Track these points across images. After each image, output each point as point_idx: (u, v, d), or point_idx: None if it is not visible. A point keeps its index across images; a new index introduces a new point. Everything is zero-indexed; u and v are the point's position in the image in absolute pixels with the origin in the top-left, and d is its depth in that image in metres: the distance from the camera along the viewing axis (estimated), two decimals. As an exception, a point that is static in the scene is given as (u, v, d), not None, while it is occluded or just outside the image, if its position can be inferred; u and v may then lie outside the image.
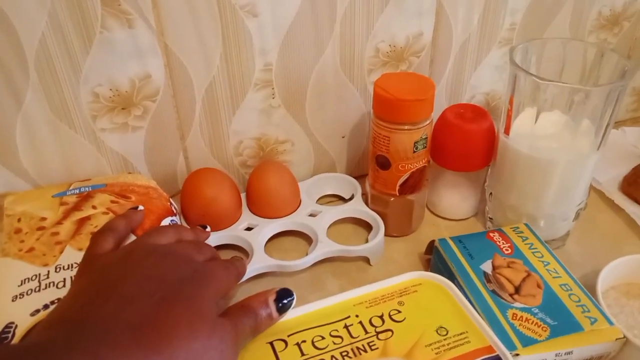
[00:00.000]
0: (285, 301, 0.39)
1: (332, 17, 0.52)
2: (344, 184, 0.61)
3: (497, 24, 0.59)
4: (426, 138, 0.51)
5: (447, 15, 0.56)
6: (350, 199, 0.60)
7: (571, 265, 0.50)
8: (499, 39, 0.60)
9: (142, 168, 0.55)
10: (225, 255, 0.54)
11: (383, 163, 0.52)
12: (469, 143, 0.54)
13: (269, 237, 0.54)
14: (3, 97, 0.47)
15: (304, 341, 0.39)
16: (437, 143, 0.55)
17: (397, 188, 0.53)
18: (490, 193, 0.56)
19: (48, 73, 0.47)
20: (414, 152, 0.51)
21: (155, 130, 0.53)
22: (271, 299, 0.38)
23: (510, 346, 0.40)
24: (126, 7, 0.46)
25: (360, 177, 0.61)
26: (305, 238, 0.56)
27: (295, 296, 0.39)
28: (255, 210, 0.56)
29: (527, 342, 0.41)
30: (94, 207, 0.46)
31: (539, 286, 0.45)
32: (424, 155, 0.52)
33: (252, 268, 0.50)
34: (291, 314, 0.41)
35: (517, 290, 0.45)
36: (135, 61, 0.49)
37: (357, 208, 0.57)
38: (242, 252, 0.53)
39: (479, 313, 0.41)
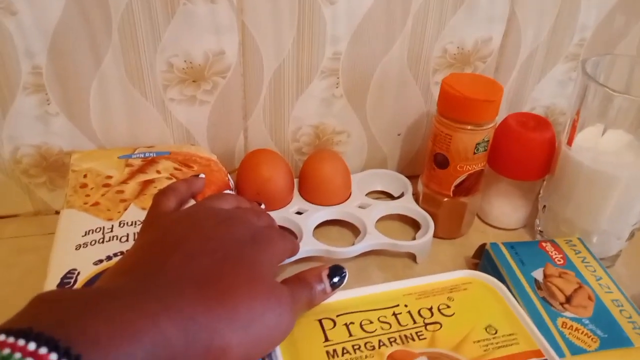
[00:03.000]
0: (337, 278, 0.39)
1: (406, 12, 0.53)
2: (394, 181, 0.61)
3: (566, 38, 0.59)
4: (488, 141, 0.51)
5: (518, 24, 0.56)
6: (400, 197, 0.60)
7: (620, 285, 0.50)
8: (566, 54, 0.60)
9: (203, 142, 0.56)
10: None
11: (441, 162, 0.53)
12: (529, 151, 0.54)
13: (318, 223, 0.55)
14: (84, 54, 0.48)
15: (352, 323, 0.39)
16: (495, 149, 0.55)
17: (452, 189, 0.53)
18: (544, 205, 0.56)
19: (129, 37, 0.48)
20: (475, 153, 0.51)
21: (221, 107, 0.54)
22: (324, 273, 0.39)
23: (559, 353, 0.40)
24: (211, -18, 0.47)
25: (410, 177, 0.61)
26: (352, 229, 0.56)
27: (347, 273, 0.40)
28: (306, 195, 0.56)
29: (576, 350, 0.40)
30: (158, 172, 0.48)
31: (590, 298, 0.45)
32: (483, 159, 0.52)
33: (301, 250, 0.50)
34: (341, 296, 0.41)
35: (568, 300, 0.44)
36: (212, 36, 0.50)
37: (407, 206, 0.57)
38: (291, 234, 0.54)
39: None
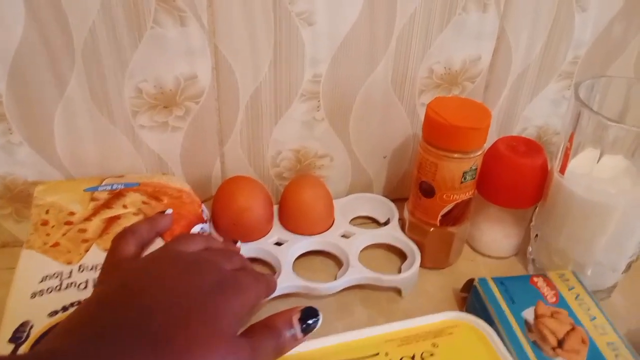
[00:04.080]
0: (310, 321, 0.35)
1: (390, 32, 0.50)
2: (380, 206, 0.59)
3: (559, 56, 0.56)
4: (476, 169, 0.48)
5: (508, 41, 0.54)
6: (386, 223, 0.57)
7: (616, 319, 0.47)
8: (560, 72, 0.57)
9: (177, 169, 0.54)
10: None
11: (427, 190, 0.50)
12: (519, 178, 0.51)
13: (298, 255, 0.52)
14: (47, 80, 0.45)
15: (329, 374, 0.37)
16: (485, 175, 0.52)
17: (439, 218, 0.51)
18: (537, 234, 0.53)
19: (94, 62, 0.45)
20: (462, 182, 0.48)
21: (194, 133, 0.51)
22: (296, 318, 0.35)
23: (551, 405, 0.37)
24: (181, 4, 0.44)
25: (396, 201, 0.58)
26: (335, 259, 0.54)
27: (321, 316, 0.36)
28: (286, 224, 0.54)
29: (569, 402, 0.38)
30: (124, 207, 0.45)
31: (583, 341, 0.42)
32: (471, 187, 0.50)
33: (279, 287, 0.47)
34: (318, 343, 0.39)
35: (560, 343, 0.42)
36: (183, 60, 0.47)
37: (393, 234, 0.54)
38: (269, 267, 0.51)
39: (518, 365, 0.39)
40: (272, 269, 0.50)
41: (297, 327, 0.34)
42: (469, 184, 0.49)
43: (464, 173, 0.48)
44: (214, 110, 0.50)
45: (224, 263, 0.36)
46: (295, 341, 0.34)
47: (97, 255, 0.41)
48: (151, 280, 0.32)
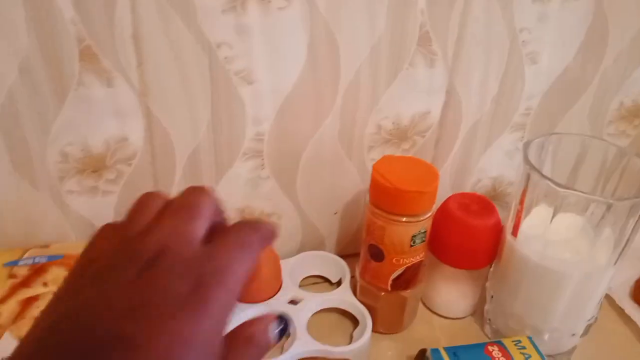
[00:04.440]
0: (280, 329, 0.28)
1: (335, 89, 0.48)
2: (332, 265, 0.56)
3: (511, 108, 0.55)
4: (425, 232, 0.46)
5: (458, 95, 0.52)
6: (339, 282, 0.54)
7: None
8: (512, 124, 0.56)
9: (111, 234, 0.50)
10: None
11: (376, 254, 0.47)
12: (472, 239, 0.49)
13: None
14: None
15: None
16: (436, 235, 0.50)
17: (390, 282, 0.48)
18: (492, 295, 0.51)
19: (13, 126, 0.42)
20: (411, 246, 0.46)
21: (128, 196, 0.48)
22: (272, 326, 0.27)
23: None
24: (107, 65, 0.41)
25: (351, 257, 0.56)
26: (284, 326, 0.50)
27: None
28: (230, 290, 0.50)
29: None
30: (45, 284, 0.41)
31: (541, 420, 0.40)
32: (422, 250, 0.47)
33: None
34: None
35: None
36: (112, 122, 0.44)
37: (344, 299, 0.51)
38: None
39: None
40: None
41: (272, 335, 0.27)
42: (419, 247, 0.47)
43: (413, 237, 0.45)
44: (148, 172, 0.47)
45: (193, 233, 0.26)
46: (268, 349, 0.27)
47: (9, 345, 0.37)
48: (97, 295, 0.23)
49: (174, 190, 0.49)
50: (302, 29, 0.44)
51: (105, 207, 0.48)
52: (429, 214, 0.46)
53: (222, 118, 0.46)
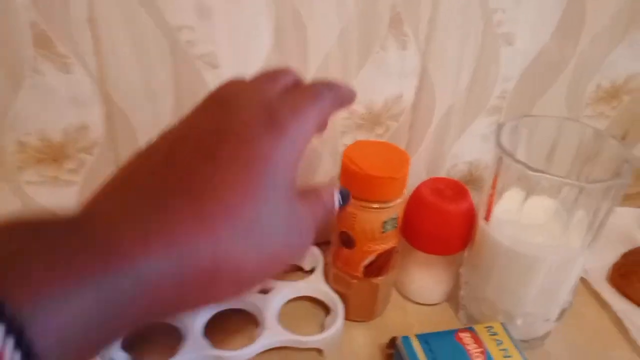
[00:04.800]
0: (343, 199, 0.34)
1: (304, 73, 0.46)
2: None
3: (486, 91, 0.54)
4: (396, 217, 0.45)
5: (431, 79, 0.51)
6: (312, 270, 0.53)
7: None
8: (488, 107, 0.55)
9: (76, 224, 0.49)
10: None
11: (347, 241, 0.46)
12: (445, 225, 0.48)
13: (209, 317, 0.48)
14: None
15: None
16: (409, 221, 0.49)
17: (362, 270, 0.47)
18: (466, 281, 0.50)
19: (-35, 117, 0.40)
20: (382, 232, 0.45)
21: (91, 186, 0.46)
22: (336, 190, 0.34)
23: None
24: (63, 50, 0.40)
25: (325, 244, 0.55)
26: (255, 317, 0.49)
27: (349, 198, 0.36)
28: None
29: None
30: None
31: (511, 407, 0.39)
32: (394, 236, 0.46)
33: (183, 358, 0.43)
34: None
35: (486, 412, 0.39)
36: (71, 110, 0.42)
37: (316, 286, 0.51)
38: (176, 335, 0.46)
39: None
40: (179, 337, 0.46)
41: (336, 199, 0.33)
42: (391, 233, 0.46)
43: (384, 223, 0.44)
44: (110, 161, 0.46)
45: (269, 88, 0.31)
46: (332, 214, 0.33)
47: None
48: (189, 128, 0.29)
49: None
50: (268, 11, 0.43)
51: (68, 197, 0.47)
52: (400, 200, 0.45)
53: (186, 104, 0.44)
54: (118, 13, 0.40)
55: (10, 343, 0.17)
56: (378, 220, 0.44)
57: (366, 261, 0.47)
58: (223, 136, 0.26)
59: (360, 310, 0.50)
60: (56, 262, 0.20)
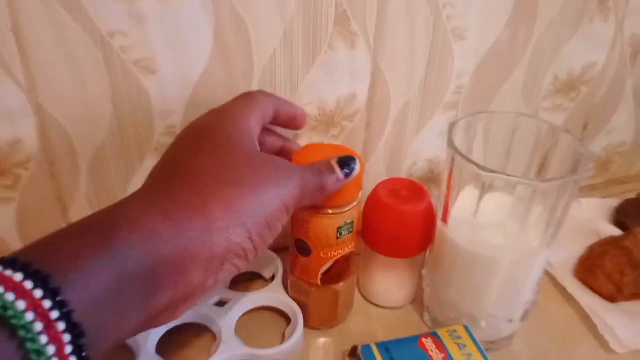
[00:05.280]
0: (349, 168, 0.38)
1: (249, 75, 0.45)
2: (264, 260, 0.53)
3: (441, 87, 0.53)
4: (352, 222, 0.44)
5: (384, 77, 0.49)
6: (271, 279, 0.52)
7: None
8: (444, 103, 0.54)
9: (17, 244, 0.46)
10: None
11: (303, 248, 0.45)
12: (403, 227, 0.46)
13: (164, 332, 0.46)
14: None
15: None
16: (368, 223, 0.48)
17: (320, 277, 0.46)
18: (428, 283, 0.49)
19: None
20: (338, 238, 0.43)
21: (29, 202, 0.44)
22: (334, 161, 0.38)
23: None
24: (-9, 61, 0.37)
25: (285, 250, 0.53)
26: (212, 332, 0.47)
27: (357, 164, 0.39)
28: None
29: None
30: None
31: (474, 414, 0.38)
32: (351, 241, 0.45)
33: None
34: None
35: (448, 421, 0.37)
36: (2, 124, 0.40)
37: (275, 296, 0.49)
38: (129, 354, 0.44)
39: None
40: (131, 356, 0.44)
41: (338, 170, 0.38)
42: (347, 238, 0.44)
43: (339, 229, 0.43)
44: (48, 175, 0.43)
45: None
46: (338, 182, 0.38)
47: None
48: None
49: (80, 194, 0.45)
50: (205, 12, 0.41)
51: (7, 215, 0.44)
52: (355, 203, 0.43)
53: (125, 111, 0.43)
54: (44, 20, 0.37)
55: (48, 304, 0.22)
56: (332, 226, 0.43)
57: (323, 268, 0.45)
58: (201, 143, 0.34)
59: (321, 318, 0.49)
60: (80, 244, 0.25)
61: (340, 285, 0.47)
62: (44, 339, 0.21)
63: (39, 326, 0.21)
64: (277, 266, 0.52)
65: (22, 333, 0.20)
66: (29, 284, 0.21)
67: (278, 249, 0.53)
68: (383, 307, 0.52)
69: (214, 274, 0.30)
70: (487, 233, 0.42)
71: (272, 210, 0.32)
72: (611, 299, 0.52)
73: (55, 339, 0.21)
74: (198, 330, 0.48)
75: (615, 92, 0.61)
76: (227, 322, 0.46)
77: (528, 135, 0.46)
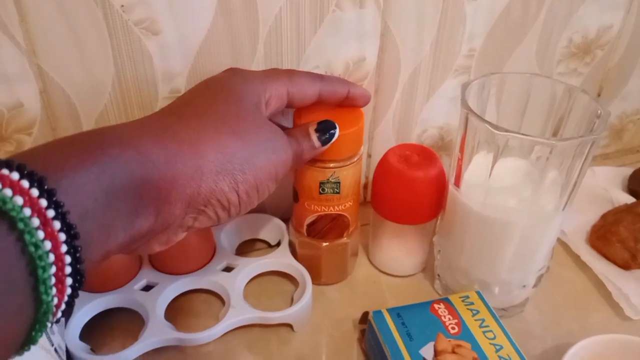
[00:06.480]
0: (328, 134, 0.39)
1: (254, 37, 0.43)
2: (270, 227, 0.52)
3: (453, 51, 0.51)
4: (338, 183, 0.42)
5: (394, 39, 0.48)
6: (277, 245, 0.51)
7: (530, 339, 0.44)
8: (455, 67, 0.52)
9: (20, 212, 0.45)
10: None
11: (294, 194, 0.46)
12: (413, 193, 0.45)
13: (172, 298, 0.45)
14: None
15: None
16: (377, 189, 0.47)
17: (305, 227, 0.46)
18: (439, 250, 0.48)
19: None
20: (320, 193, 0.43)
21: (32, 169, 0.43)
22: (312, 129, 0.39)
23: None
24: (-16, 21, 0.36)
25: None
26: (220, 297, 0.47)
27: (337, 130, 0.39)
28: (156, 264, 0.46)
29: None
30: None
31: (487, 379, 0.37)
32: (336, 202, 0.44)
33: (146, 342, 0.40)
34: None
35: (462, 385, 0.37)
36: (1, 87, 0.39)
37: (281, 260, 0.48)
38: (138, 319, 0.44)
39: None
40: (140, 322, 0.43)
41: (314, 137, 0.38)
42: (331, 197, 0.43)
43: (321, 183, 0.42)
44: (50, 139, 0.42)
45: None
46: (313, 150, 0.39)
47: None
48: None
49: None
50: (209, -32, 0.39)
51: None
52: (342, 164, 0.42)
53: (128, 74, 0.41)
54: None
55: (44, 203, 0.22)
56: (314, 179, 0.42)
57: (308, 220, 0.45)
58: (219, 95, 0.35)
59: (330, 273, 0.49)
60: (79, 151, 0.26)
61: (325, 245, 0.46)
62: (40, 234, 0.21)
63: (36, 221, 0.21)
64: (282, 232, 0.51)
65: (20, 225, 0.21)
66: (25, 183, 0.21)
67: (283, 218, 0.52)
68: (393, 276, 0.51)
69: (195, 212, 0.31)
70: (501, 197, 0.41)
71: (262, 173, 0.33)
72: (625, 266, 0.51)
73: (51, 236, 0.22)
74: (206, 296, 0.47)
75: (631, 57, 0.60)
76: (235, 287, 0.45)
77: (543, 96, 0.44)
